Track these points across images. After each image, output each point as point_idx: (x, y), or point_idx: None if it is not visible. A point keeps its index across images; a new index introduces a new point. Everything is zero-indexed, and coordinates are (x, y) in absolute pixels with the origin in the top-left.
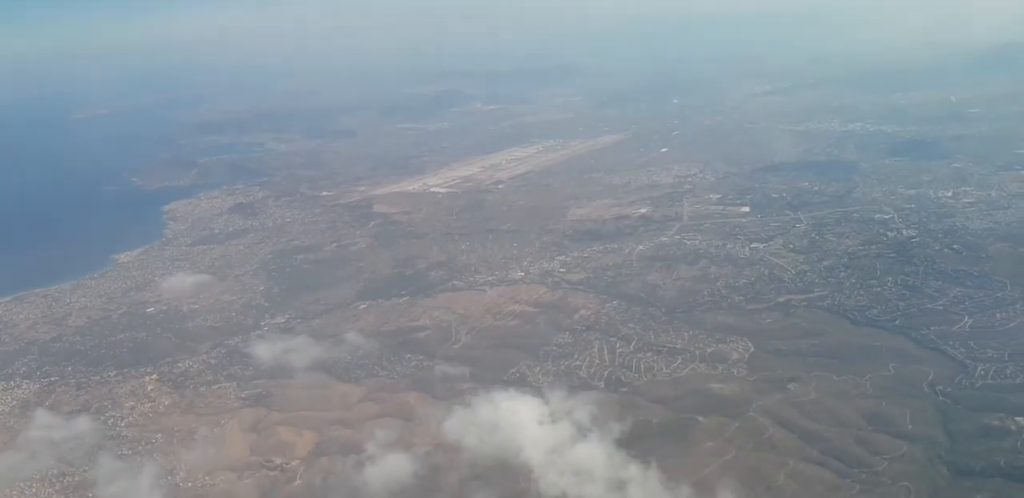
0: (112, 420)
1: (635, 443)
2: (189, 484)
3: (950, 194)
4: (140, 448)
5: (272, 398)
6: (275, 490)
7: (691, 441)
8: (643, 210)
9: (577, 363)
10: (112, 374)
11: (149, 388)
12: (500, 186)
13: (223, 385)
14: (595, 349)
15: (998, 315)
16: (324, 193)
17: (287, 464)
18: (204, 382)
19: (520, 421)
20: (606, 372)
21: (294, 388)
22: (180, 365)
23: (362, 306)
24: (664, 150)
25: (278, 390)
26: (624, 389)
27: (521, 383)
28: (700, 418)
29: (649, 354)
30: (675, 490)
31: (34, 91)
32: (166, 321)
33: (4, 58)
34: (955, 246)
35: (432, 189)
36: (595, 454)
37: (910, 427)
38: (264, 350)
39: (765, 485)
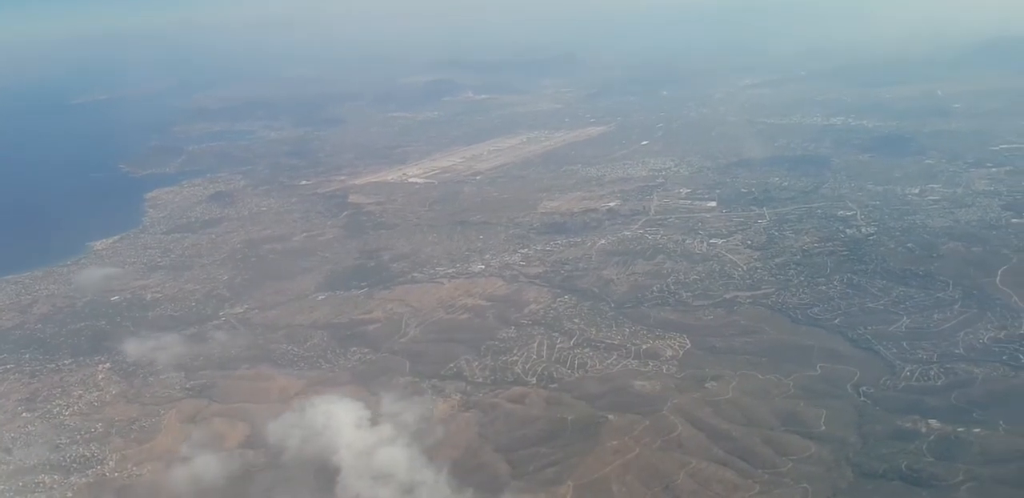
0: (58, 408)
1: (544, 441)
2: (116, 474)
3: (917, 191)
4: (78, 437)
5: (215, 389)
6: (195, 482)
7: (597, 439)
8: (612, 204)
9: (515, 358)
10: (67, 362)
11: (100, 377)
12: (478, 177)
13: (171, 375)
14: (535, 344)
15: (935, 316)
16: (303, 182)
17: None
18: (153, 372)
19: (340, 424)
20: (540, 368)
21: (237, 379)
22: (133, 354)
23: (320, 297)
24: (644, 143)
25: (222, 381)
26: (554, 385)
27: (457, 378)
28: (610, 416)
29: (587, 350)
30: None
31: (35, 76)
32: (128, 310)
33: (7, 43)
34: (909, 245)
35: (410, 179)
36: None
37: (823, 428)
38: (213, 340)
39: (663, 484)
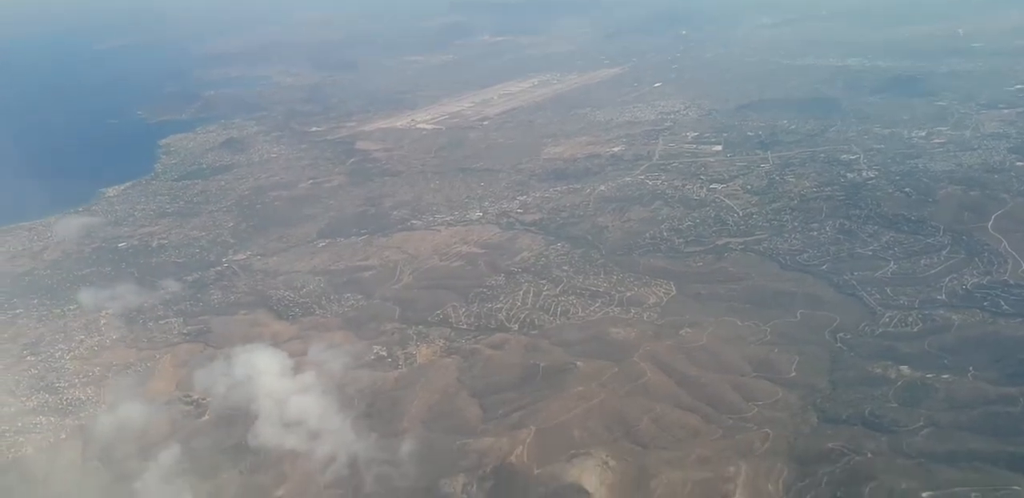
0: (60, 352)
1: (515, 387)
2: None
3: (924, 134)
4: (76, 380)
5: (211, 334)
6: (183, 424)
7: (564, 385)
8: (616, 149)
9: (500, 305)
10: (72, 308)
11: (102, 322)
12: (485, 123)
13: (170, 320)
14: (522, 292)
15: (923, 261)
16: (314, 128)
17: (203, 400)
18: (154, 317)
19: (263, 372)
20: (524, 315)
21: (233, 325)
22: (135, 300)
23: (321, 244)
24: (657, 85)
25: (219, 326)
26: (535, 332)
27: (442, 324)
28: (579, 363)
29: (572, 297)
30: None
31: (63, 23)
32: (134, 256)
33: None
34: (907, 189)
35: (419, 125)
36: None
37: (794, 374)
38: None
39: (625, 429)
